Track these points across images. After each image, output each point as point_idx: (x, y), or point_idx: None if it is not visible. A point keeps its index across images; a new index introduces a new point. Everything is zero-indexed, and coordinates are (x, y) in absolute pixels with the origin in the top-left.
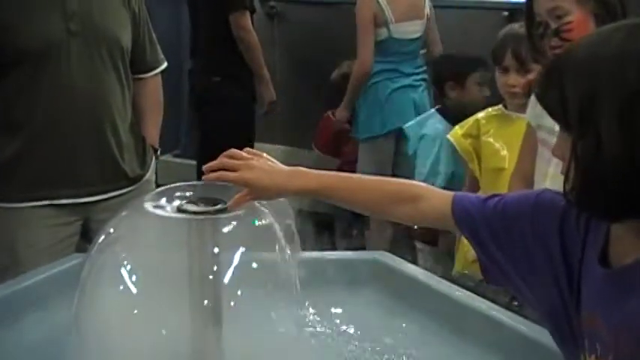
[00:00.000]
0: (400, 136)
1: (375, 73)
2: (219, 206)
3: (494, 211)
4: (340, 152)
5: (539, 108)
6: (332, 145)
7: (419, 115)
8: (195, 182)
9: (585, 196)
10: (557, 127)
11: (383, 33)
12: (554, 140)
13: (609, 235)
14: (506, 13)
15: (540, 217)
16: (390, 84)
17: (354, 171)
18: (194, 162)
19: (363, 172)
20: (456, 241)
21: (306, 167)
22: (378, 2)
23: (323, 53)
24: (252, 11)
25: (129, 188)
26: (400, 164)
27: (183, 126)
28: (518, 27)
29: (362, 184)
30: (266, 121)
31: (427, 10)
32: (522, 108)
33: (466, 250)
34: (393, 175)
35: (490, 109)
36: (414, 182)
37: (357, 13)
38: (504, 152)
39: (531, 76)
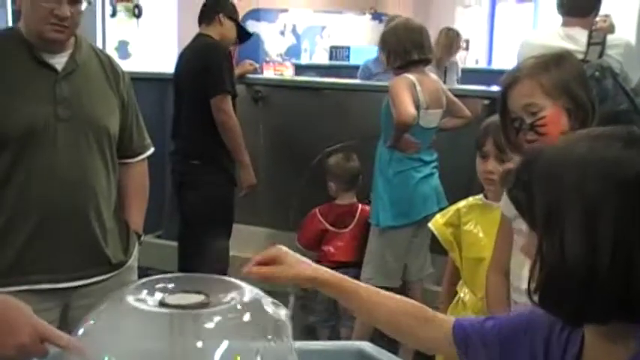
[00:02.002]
0: (418, 223)
1: (400, 162)
2: (202, 299)
3: (492, 334)
4: (320, 249)
5: None
6: (314, 242)
7: (439, 202)
8: (177, 274)
9: (548, 297)
10: None
11: None
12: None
13: (583, 341)
14: (487, 102)
15: (532, 337)
16: (415, 174)
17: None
18: (176, 243)
19: (381, 262)
20: None
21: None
22: (414, 86)
23: (307, 137)
24: (234, 96)
25: (110, 274)
26: (412, 250)
27: (166, 207)
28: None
29: (380, 299)
30: (248, 203)
31: (444, 99)
32: (500, 196)
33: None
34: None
35: (471, 199)
36: (422, 305)
37: (393, 85)
38: (485, 242)
39: (510, 165)
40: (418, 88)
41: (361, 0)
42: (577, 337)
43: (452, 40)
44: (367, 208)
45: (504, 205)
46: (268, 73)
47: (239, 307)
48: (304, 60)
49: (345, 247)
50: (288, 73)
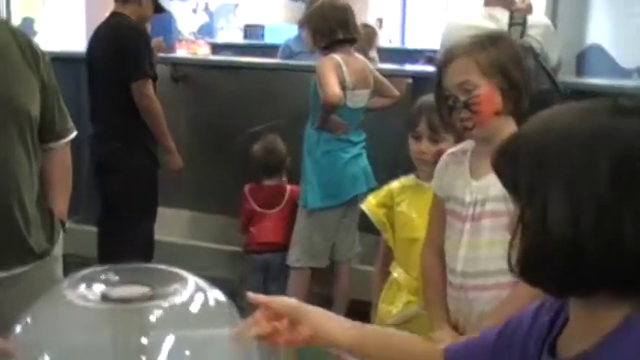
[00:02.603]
0: (347, 204)
1: (328, 143)
2: (146, 291)
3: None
4: (248, 231)
5: (446, 179)
6: (244, 224)
7: (368, 183)
8: (117, 265)
9: (530, 269)
10: (467, 199)
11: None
12: (464, 211)
13: (567, 321)
14: (410, 81)
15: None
16: (343, 154)
17: (260, 252)
18: (95, 228)
19: (309, 243)
20: (371, 313)
21: (211, 233)
22: (340, 67)
23: (231, 118)
24: (155, 78)
25: (34, 264)
26: (341, 230)
27: (84, 190)
28: (432, 97)
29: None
30: (171, 186)
31: (372, 79)
32: (432, 176)
33: (384, 320)
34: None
35: (403, 179)
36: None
37: (320, 66)
38: (418, 222)
39: (442, 146)
40: (344, 68)
41: None
42: (564, 312)
43: (369, 36)
44: (296, 188)
45: (436, 186)
46: (181, 52)
47: (185, 297)
48: (220, 39)
49: (273, 228)
50: (202, 52)
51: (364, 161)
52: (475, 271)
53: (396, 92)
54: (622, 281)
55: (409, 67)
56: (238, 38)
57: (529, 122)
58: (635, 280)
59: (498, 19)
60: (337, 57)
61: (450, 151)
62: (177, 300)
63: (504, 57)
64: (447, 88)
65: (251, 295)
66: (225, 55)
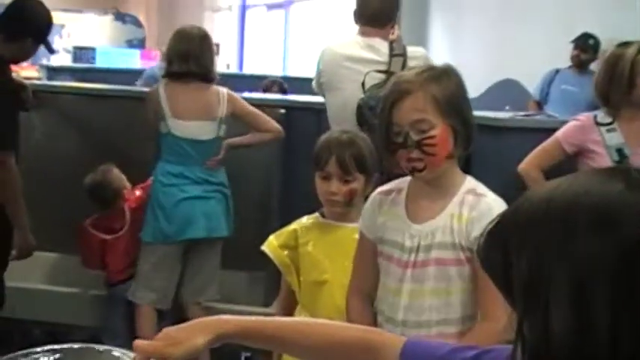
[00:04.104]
0: (188, 244)
1: (166, 176)
2: None
3: None
4: (105, 263)
5: (380, 220)
6: (97, 258)
7: (212, 230)
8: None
9: None
10: (408, 244)
11: (163, 127)
12: (404, 257)
13: None
14: (283, 111)
15: None
16: (177, 192)
17: (124, 281)
18: None
19: (145, 278)
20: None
21: (73, 273)
22: (158, 95)
23: (85, 148)
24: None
25: None
26: (187, 271)
27: None
28: (338, 133)
29: (303, 328)
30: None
31: (224, 110)
32: (342, 216)
33: None
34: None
35: (305, 218)
36: (367, 329)
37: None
38: (326, 263)
39: (354, 185)
40: (163, 95)
41: None
42: None
43: None
44: (135, 199)
45: (366, 226)
46: None
47: None
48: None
49: (125, 250)
50: (27, 75)
51: (210, 206)
52: (417, 321)
53: (276, 125)
54: None
55: (282, 97)
56: (67, 61)
57: (522, 202)
58: None
59: (378, 50)
60: (161, 86)
61: (381, 189)
62: None
63: (457, 92)
64: (398, 124)
65: (139, 344)
66: (62, 80)
